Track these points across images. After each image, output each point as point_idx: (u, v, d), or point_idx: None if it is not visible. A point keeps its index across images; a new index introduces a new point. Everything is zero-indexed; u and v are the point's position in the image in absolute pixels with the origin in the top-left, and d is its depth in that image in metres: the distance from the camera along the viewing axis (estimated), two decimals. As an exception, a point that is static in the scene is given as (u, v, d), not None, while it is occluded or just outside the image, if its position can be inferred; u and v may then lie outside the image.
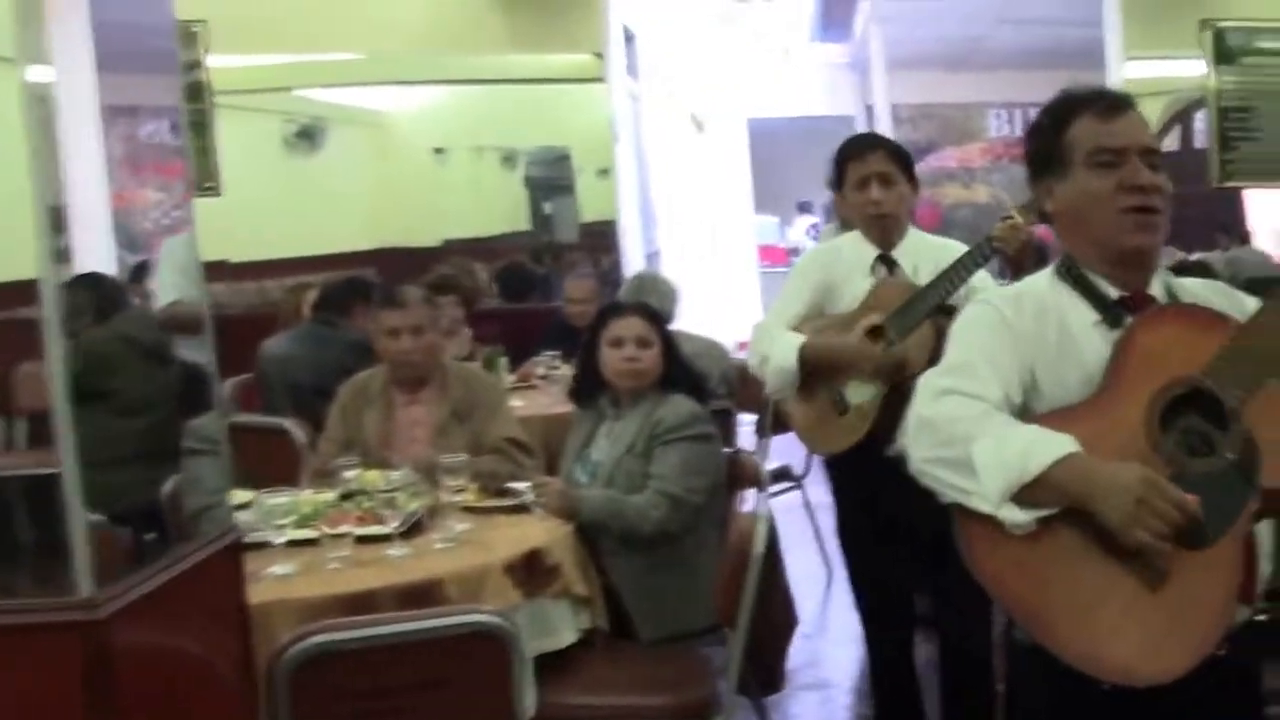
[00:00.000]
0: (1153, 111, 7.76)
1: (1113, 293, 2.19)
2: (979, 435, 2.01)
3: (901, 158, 3.82)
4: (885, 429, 3.37)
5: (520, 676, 2.72)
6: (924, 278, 3.66)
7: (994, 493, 1.97)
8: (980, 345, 2.17)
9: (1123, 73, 7.75)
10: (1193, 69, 7.64)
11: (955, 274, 3.53)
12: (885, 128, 12.29)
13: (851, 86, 16.73)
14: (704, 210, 13.13)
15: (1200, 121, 7.77)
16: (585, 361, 3.97)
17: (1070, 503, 1.96)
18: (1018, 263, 3.45)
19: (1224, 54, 7.56)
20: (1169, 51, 7.78)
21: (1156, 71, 7.86)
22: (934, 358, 2.50)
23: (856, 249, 3.84)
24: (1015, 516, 1.97)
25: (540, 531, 3.46)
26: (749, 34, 14.82)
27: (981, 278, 3.58)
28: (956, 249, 3.70)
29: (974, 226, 6.35)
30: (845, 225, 5.10)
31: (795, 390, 3.76)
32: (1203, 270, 4.87)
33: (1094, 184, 2.16)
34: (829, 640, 5.19)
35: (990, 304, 2.25)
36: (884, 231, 3.79)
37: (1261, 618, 2.16)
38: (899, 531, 3.67)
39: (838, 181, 3.87)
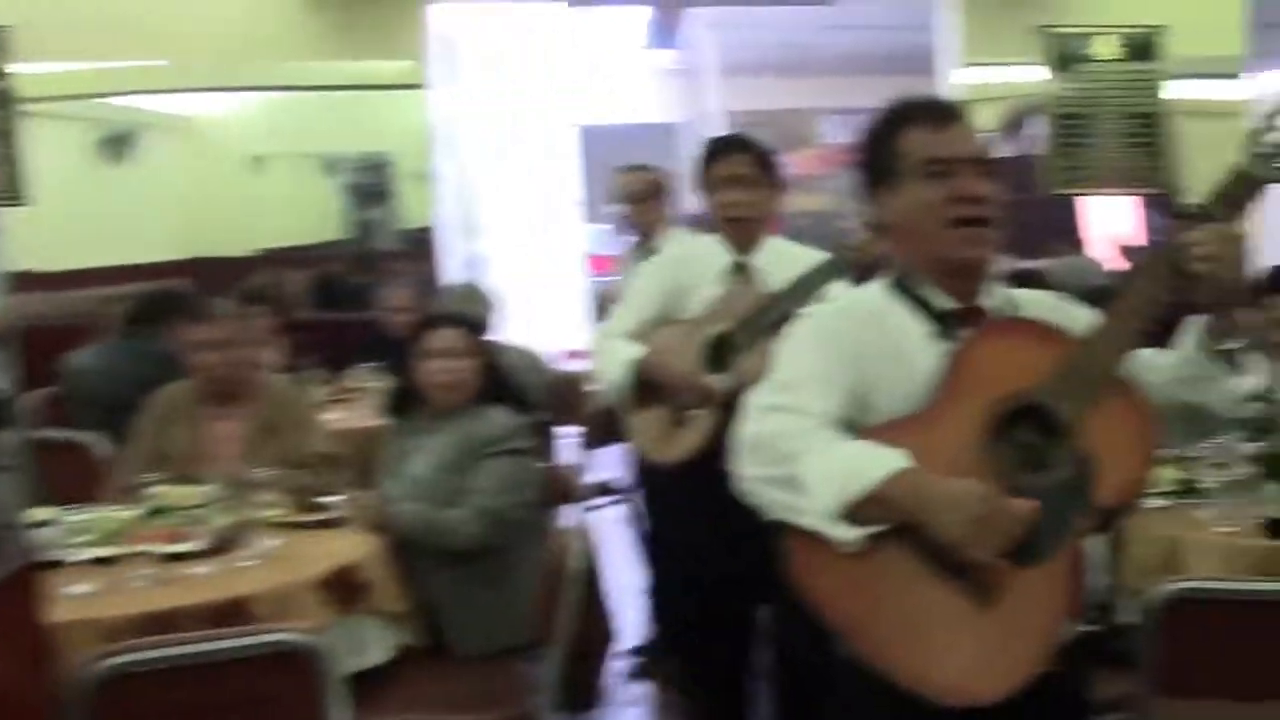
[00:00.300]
0: (989, 118, 8.00)
1: (944, 304, 2.18)
2: (807, 452, 2.00)
3: (766, 160, 3.76)
4: (724, 440, 3.39)
5: (331, 697, 2.71)
6: (778, 285, 3.63)
7: (824, 509, 1.96)
8: (808, 360, 2.16)
9: (959, 78, 7.96)
10: (1029, 75, 7.79)
11: (809, 284, 3.50)
12: (717, 135, 12.44)
13: (684, 93, 16.93)
14: (531, 218, 13.14)
15: (1035, 128, 7.94)
16: (402, 374, 3.96)
17: (903, 518, 1.95)
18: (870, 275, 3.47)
19: (1061, 60, 7.72)
20: (1006, 58, 7.96)
21: (993, 77, 8.06)
22: None
23: (712, 252, 3.80)
24: (845, 534, 1.96)
25: (352, 547, 3.43)
26: (580, 40, 14.89)
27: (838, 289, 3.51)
28: (816, 258, 3.67)
29: (815, 234, 6.36)
30: (644, 241, 5.18)
31: (632, 400, 3.76)
32: (1036, 278, 4.99)
33: (924, 194, 2.15)
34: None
35: (817, 317, 2.26)
36: (742, 235, 3.75)
37: (1089, 629, 2.18)
38: (739, 543, 3.57)
39: (699, 183, 3.83)
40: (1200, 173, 7.61)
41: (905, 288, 2.20)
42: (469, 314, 4.50)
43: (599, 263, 16.34)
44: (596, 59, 15.71)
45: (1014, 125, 8.23)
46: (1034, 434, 2.02)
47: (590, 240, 15.87)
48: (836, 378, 2.11)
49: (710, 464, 3.30)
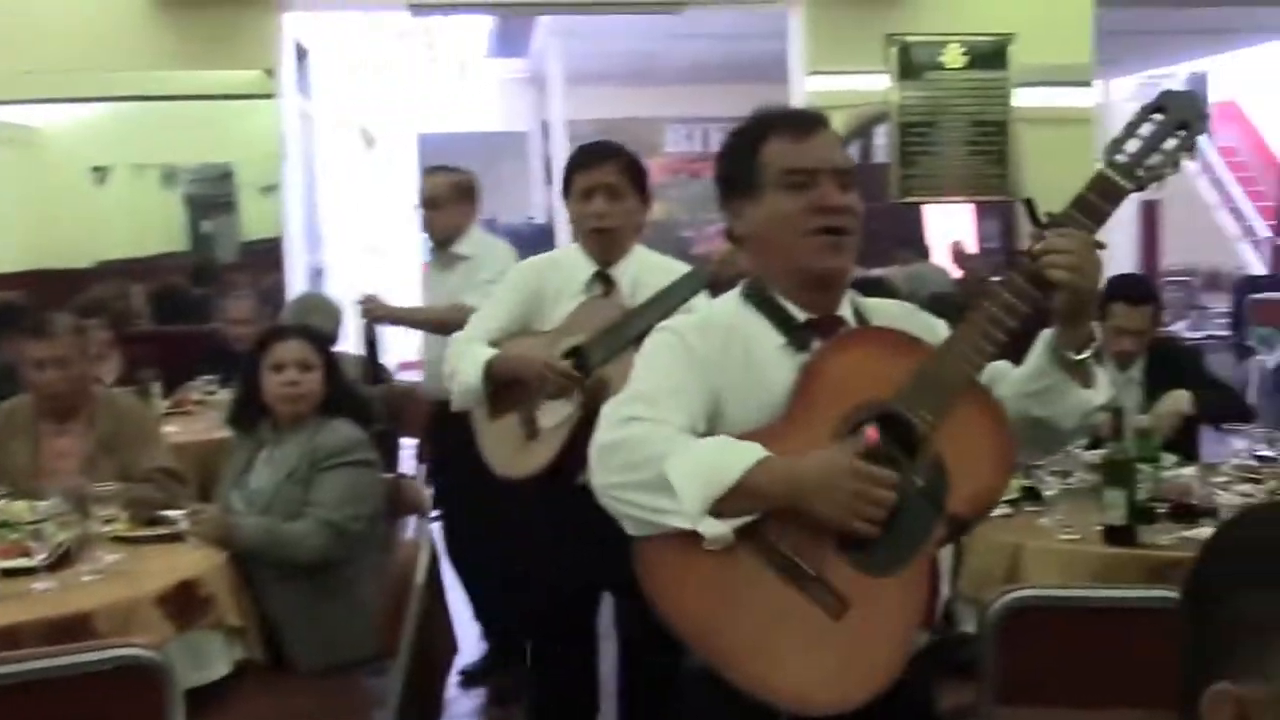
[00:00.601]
0: (836, 125, 8.16)
1: (800, 316, 2.19)
2: (670, 453, 1.99)
3: (633, 170, 3.66)
4: (579, 454, 3.32)
5: (174, 711, 2.72)
6: (642, 298, 3.54)
7: (693, 506, 1.95)
8: (664, 374, 2.15)
9: (809, 86, 8.03)
10: (876, 84, 7.92)
11: (668, 299, 3.40)
12: (561, 143, 12.46)
13: (528, 101, 16.96)
14: (372, 228, 13.08)
15: (880, 136, 8.08)
16: (246, 386, 3.96)
17: (775, 504, 1.96)
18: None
19: (907, 69, 7.89)
20: (853, 66, 8.01)
21: (842, 85, 8.06)
22: None
23: (575, 263, 3.71)
24: (715, 529, 1.95)
25: (193, 561, 3.43)
26: (424, 49, 14.85)
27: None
28: (679, 270, 3.59)
29: (653, 244, 6.42)
30: (442, 246, 5.17)
31: (485, 408, 3.70)
32: (882, 286, 5.07)
33: (785, 205, 2.15)
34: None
35: (674, 331, 2.22)
36: (604, 247, 3.66)
37: (934, 637, 2.17)
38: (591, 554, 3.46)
39: (566, 190, 3.72)
40: (1049, 179, 7.88)
41: (761, 299, 2.21)
42: (315, 326, 4.50)
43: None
44: (440, 67, 15.68)
45: (859, 133, 8.40)
46: (890, 443, 2.01)
47: (426, 250, 15.87)
48: (692, 391, 2.11)
49: (563, 477, 3.38)
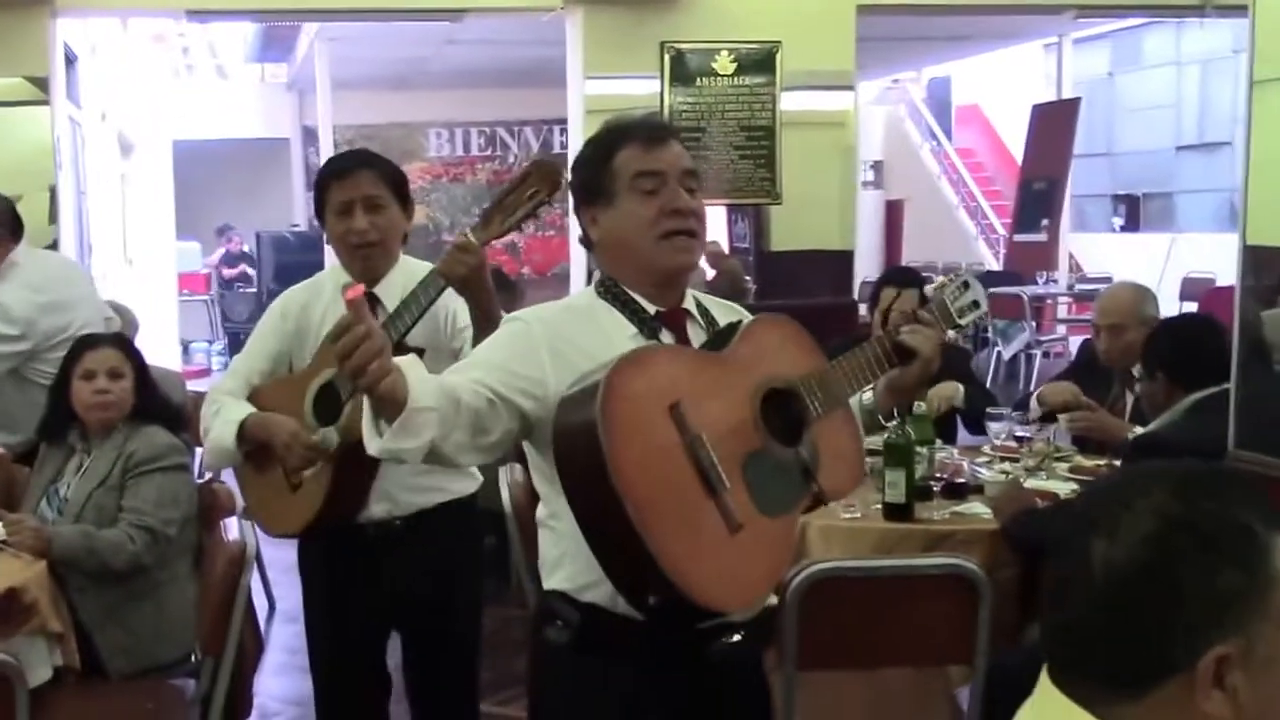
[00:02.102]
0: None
1: (650, 308, 2.37)
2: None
3: (393, 178, 3.32)
4: (346, 498, 3.25)
5: (23, 711, 2.81)
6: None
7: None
8: (490, 350, 2.32)
9: (583, 90, 8.26)
10: (650, 88, 8.19)
11: (414, 305, 3.10)
12: (327, 149, 12.42)
13: (288, 107, 16.82)
14: (127, 236, 12.83)
15: None
16: (55, 395, 3.99)
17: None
18: (473, 290, 3.04)
19: (679, 75, 8.17)
20: (628, 71, 8.26)
21: (615, 90, 8.31)
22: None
23: (338, 286, 3.29)
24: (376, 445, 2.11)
25: (16, 569, 3.48)
26: (180, 53, 14.62)
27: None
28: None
29: (414, 250, 6.45)
30: None
31: (245, 466, 3.41)
32: None
33: (637, 209, 2.32)
34: (267, 669, 5.28)
35: (523, 320, 2.36)
36: (367, 264, 3.31)
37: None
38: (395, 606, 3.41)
39: (319, 208, 3.39)
40: (811, 178, 8.27)
41: (614, 294, 2.39)
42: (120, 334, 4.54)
43: (190, 281, 16.05)
44: (197, 73, 15.46)
45: None
46: (788, 414, 2.28)
47: (183, 258, 15.58)
48: (510, 369, 2.25)
49: (333, 527, 3.30)
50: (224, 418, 3.31)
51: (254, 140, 16.91)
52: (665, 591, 2.06)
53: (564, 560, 2.34)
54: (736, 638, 2.34)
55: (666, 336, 2.37)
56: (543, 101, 14.66)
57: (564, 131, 16.62)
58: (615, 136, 2.40)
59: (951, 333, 2.60)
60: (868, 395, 2.55)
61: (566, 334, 2.32)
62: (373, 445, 2.12)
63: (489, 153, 17.39)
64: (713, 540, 2.11)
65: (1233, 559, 1.27)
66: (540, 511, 2.43)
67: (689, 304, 2.43)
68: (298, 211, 16.73)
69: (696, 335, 2.40)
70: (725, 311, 2.49)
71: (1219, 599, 1.27)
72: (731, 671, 2.38)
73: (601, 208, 2.38)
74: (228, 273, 17.00)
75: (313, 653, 3.56)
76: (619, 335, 2.33)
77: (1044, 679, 1.37)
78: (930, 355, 2.45)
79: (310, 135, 15.94)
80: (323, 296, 3.41)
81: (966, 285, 2.60)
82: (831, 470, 2.31)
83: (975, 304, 2.60)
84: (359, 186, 3.27)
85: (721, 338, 2.36)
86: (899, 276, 4.99)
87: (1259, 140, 4.08)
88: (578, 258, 8.55)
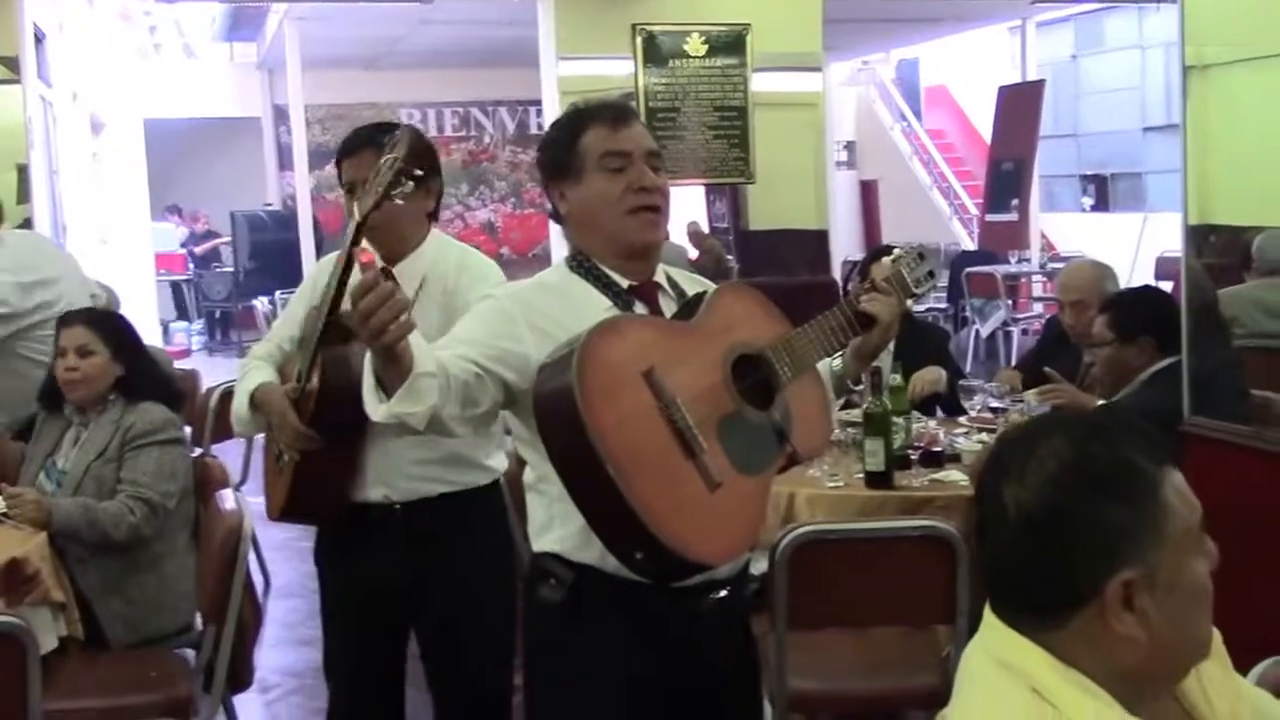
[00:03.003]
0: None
1: (623, 282, 2.47)
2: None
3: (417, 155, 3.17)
4: (316, 483, 3.21)
5: (35, 674, 2.90)
6: (435, 292, 3.20)
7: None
8: (469, 326, 2.43)
9: (557, 71, 8.37)
10: (623, 69, 8.27)
11: (328, 289, 2.97)
12: (300, 130, 12.44)
13: (258, 86, 16.78)
14: (101, 216, 12.82)
15: None
16: (51, 371, 4.07)
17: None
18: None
19: (652, 56, 8.25)
20: (601, 52, 8.37)
21: (588, 70, 8.41)
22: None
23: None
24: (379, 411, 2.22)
25: (18, 540, 3.57)
26: (148, 32, 14.60)
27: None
28: (478, 259, 3.33)
29: None
30: None
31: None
32: None
33: (605, 186, 2.43)
34: (264, 643, 5.29)
35: (499, 297, 2.50)
36: (376, 247, 3.10)
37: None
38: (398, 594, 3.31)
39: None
40: (782, 158, 8.39)
41: (586, 269, 2.49)
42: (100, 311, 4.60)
43: (168, 261, 16.04)
44: (167, 51, 15.44)
45: None
46: (758, 379, 2.39)
47: (158, 237, 15.57)
48: (493, 340, 2.36)
49: (305, 514, 3.35)
50: (243, 385, 3.31)
51: (225, 120, 16.89)
52: (651, 548, 2.16)
53: (554, 523, 2.45)
54: (723, 594, 2.47)
55: (640, 309, 2.47)
56: (518, 81, 14.68)
57: (539, 112, 16.72)
58: (581, 118, 2.51)
59: (909, 301, 2.70)
60: (837, 362, 2.67)
61: (542, 308, 2.43)
62: (378, 412, 2.21)
63: (463, 133, 17.42)
64: (693, 498, 2.21)
65: (1121, 495, 1.45)
66: (528, 476, 2.53)
67: (660, 278, 2.55)
68: (271, 191, 16.73)
69: (668, 307, 2.51)
70: (692, 285, 2.60)
71: (1111, 531, 1.44)
72: (718, 626, 2.50)
73: (570, 184, 2.48)
74: (199, 250, 17.00)
75: (328, 651, 3.49)
76: (594, 308, 2.42)
77: (987, 611, 1.54)
78: (889, 321, 2.56)
79: (281, 114, 15.94)
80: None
81: (921, 257, 2.73)
82: (803, 432, 2.42)
83: (930, 275, 2.73)
84: (361, 168, 3.05)
85: (690, 307, 2.47)
86: (888, 252, 5.11)
87: (1195, 124, 4.21)
88: (559, 237, 8.60)
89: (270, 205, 16.46)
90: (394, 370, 2.16)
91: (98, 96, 12.75)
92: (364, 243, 3.08)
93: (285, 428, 3.15)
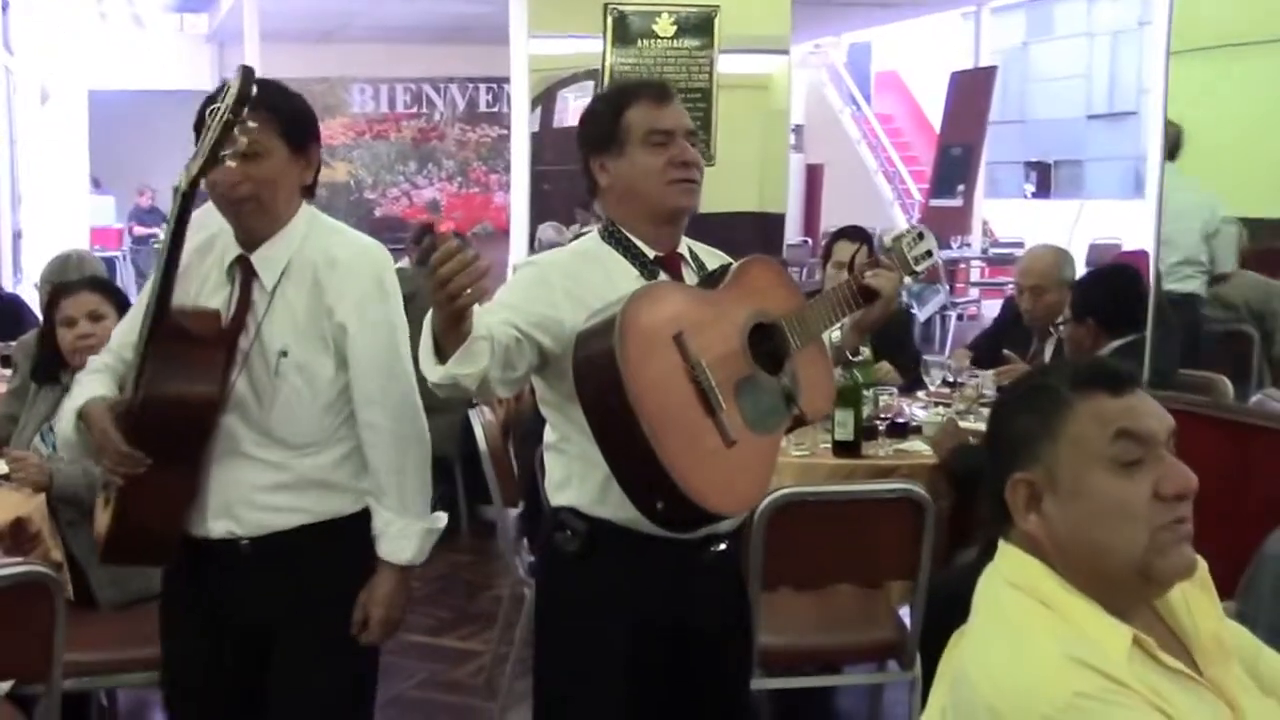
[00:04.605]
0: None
1: (650, 253, 2.70)
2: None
3: (286, 116, 2.70)
4: (142, 516, 2.79)
5: (61, 620, 3.06)
6: (305, 282, 2.76)
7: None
8: (509, 292, 2.64)
9: (526, 49, 8.49)
10: (592, 48, 8.40)
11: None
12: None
13: (209, 59, 16.75)
14: (43, 189, 12.82)
15: (569, 100, 8.56)
16: (43, 340, 4.19)
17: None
18: None
19: (621, 36, 8.38)
20: (571, 31, 8.49)
21: (557, 49, 8.56)
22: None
23: (226, 246, 2.84)
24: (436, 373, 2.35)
25: (20, 501, 3.72)
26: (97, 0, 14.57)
27: None
28: (351, 250, 2.82)
29: (331, 207, 6.64)
30: None
31: None
32: None
33: (648, 161, 2.66)
34: None
35: (537, 265, 2.71)
36: (240, 223, 2.75)
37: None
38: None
39: None
40: (746, 141, 8.56)
41: (617, 239, 2.72)
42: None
43: (103, 236, 15.97)
44: (114, 21, 15.40)
45: (545, 98, 8.83)
46: (770, 346, 2.61)
47: (96, 212, 15.57)
48: (524, 309, 2.55)
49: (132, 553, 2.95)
50: (71, 401, 2.83)
51: (172, 92, 16.85)
52: (672, 497, 2.38)
53: (571, 480, 2.69)
54: (723, 546, 2.74)
55: (664, 278, 2.70)
56: (470, 58, 14.83)
57: (490, 89, 16.84)
58: (625, 95, 2.73)
59: (909, 279, 2.97)
60: (837, 334, 2.93)
61: (577, 276, 2.65)
62: (435, 373, 2.36)
63: (414, 110, 17.50)
64: (712, 453, 2.44)
65: (1029, 408, 1.75)
66: (549, 437, 2.76)
67: (683, 249, 2.78)
68: (218, 165, 16.70)
69: (689, 277, 2.75)
70: (712, 258, 2.84)
71: (1016, 438, 1.75)
72: (718, 577, 2.77)
73: (612, 157, 2.70)
74: (139, 230, 16.94)
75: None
76: (623, 276, 2.65)
77: (1000, 541, 1.79)
78: (891, 295, 2.85)
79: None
80: (207, 257, 2.83)
81: (921, 236, 2.98)
82: (809, 395, 2.67)
83: (929, 253, 2.98)
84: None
85: (713, 277, 2.71)
86: (855, 233, 5.34)
87: (1175, 110, 4.48)
88: (519, 218, 8.73)
89: (218, 179, 16.46)
90: (453, 334, 2.31)
91: (46, 65, 12.74)
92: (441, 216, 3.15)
93: (107, 447, 2.68)
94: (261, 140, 2.61)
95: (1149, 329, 4.32)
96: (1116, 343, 4.40)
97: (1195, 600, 1.77)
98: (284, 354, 2.72)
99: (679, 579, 2.68)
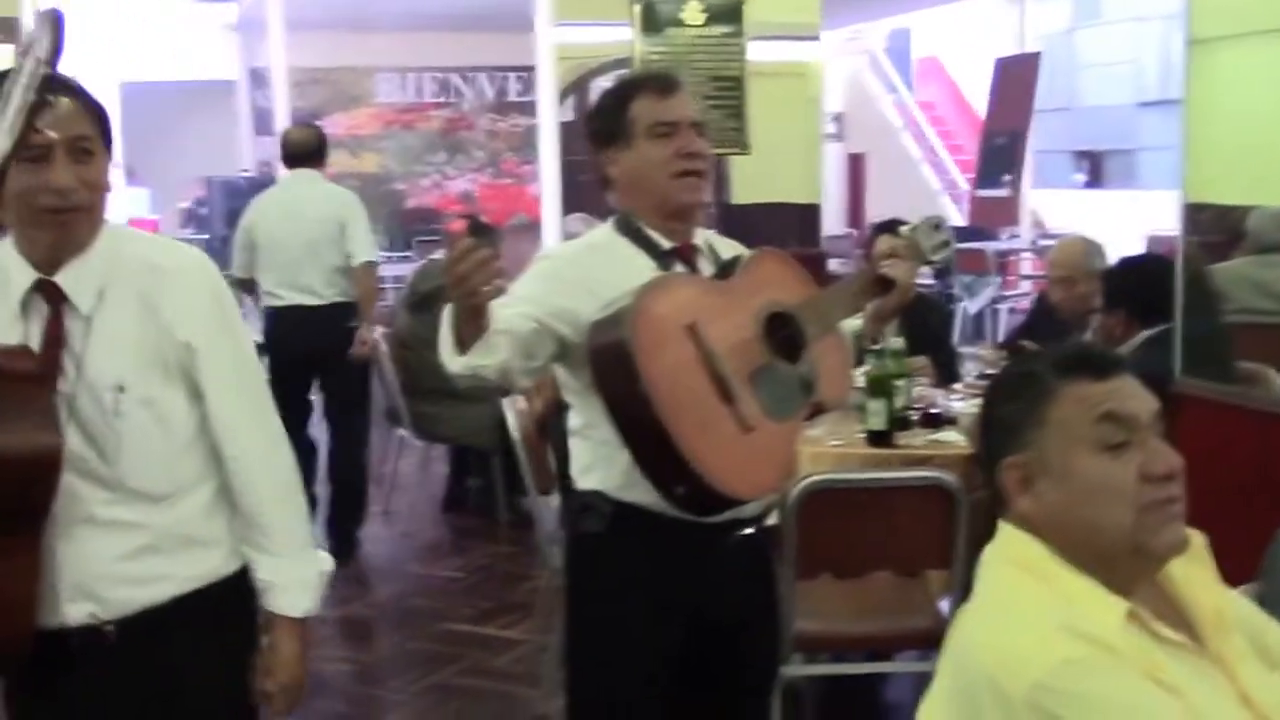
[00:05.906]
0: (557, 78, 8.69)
1: (665, 244, 2.79)
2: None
3: (99, 114, 2.37)
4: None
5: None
6: (128, 300, 2.37)
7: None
8: (530, 284, 2.73)
9: (553, 37, 8.57)
10: (620, 36, 8.43)
11: None
12: (282, 93, 12.62)
13: (235, 49, 16.89)
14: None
15: (597, 90, 8.67)
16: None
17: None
18: None
19: (649, 24, 8.43)
20: (598, 19, 8.61)
21: (585, 38, 8.71)
22: None
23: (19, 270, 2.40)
24: (458, 364, 2.47)
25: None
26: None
27: None
28: (170, 258, 2.45)
29: (363, 198, 6.82)
30: None
31: None
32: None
33: (654, 152, 2.75)
34: None
35: (553, 258, 2.87)
36: (64, 235, 2.33)
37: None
38: None
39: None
40: (779, 129, 8.66)
41: (632, 231, 2.81)
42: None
43: (140, 227, 16.11)
44: (140, 12, 15.59)
45: (576, 88, 8.90)
46: (786, 335, 2.71)
47: (133, 204, 15.72)
48: (541, 301, 2.65)
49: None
50: None
51: (201, 83, 17.06)
52: (691, 482, 2.52)
53: (597, 465, 2.80)
54: (748, 531, 2.85)
55: (679, 269, 2.81)
56: (499, 47, 14.91)
57: (519, 79, 16.88)
58: (630, 87, 2.84)
59: (925, 268, 3.08)
60: (857, 323, 3.04)
61: (591, 267, 2.76)
62: (455, 363, 2.48)
63: (442, 99, 17.60)
64: (730, 439, 2.57)
65: (1016, 395, 1.87)
66: (573, 422, 2.88)
67: (698, 240, 2.88)
68: (246, 156, 16.86)
69: (705, 268, 2.86)
70: (728, 248, 2.96)
71: (1006, 424, 1.86)
72: (742, 561, 2.88)
73: (619, 150, 2.80)
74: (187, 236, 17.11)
75: None
76: (638, 268, 2.74)
77: (1001, 521, 1.91)
78: (907, 284, 2.94)
79: (258, 78, 16.08)
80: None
81: (937, 226, 3.09)
82: (828, 384, 2.79)
83: (945, 244, 3.09)
84: (69, 124, 2.28)
85: (727, 269, 2.83)
86: (894, 226, 5.44)
87: (1196, 100, 4.57)
88: (550, 210, 8.85)
89: (246, 171, 16.65)
90: (472, 327, 2.43)
91: (74, 58, 12.93)
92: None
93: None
94: (92, 138, 2.30)
95: (1177, 318, 4.39)
96: (1148, 332, 4.46)
97: (1194, 574, 1.87)
98: (121, 389, 2.29)
99: (704, 563, 2.79)
